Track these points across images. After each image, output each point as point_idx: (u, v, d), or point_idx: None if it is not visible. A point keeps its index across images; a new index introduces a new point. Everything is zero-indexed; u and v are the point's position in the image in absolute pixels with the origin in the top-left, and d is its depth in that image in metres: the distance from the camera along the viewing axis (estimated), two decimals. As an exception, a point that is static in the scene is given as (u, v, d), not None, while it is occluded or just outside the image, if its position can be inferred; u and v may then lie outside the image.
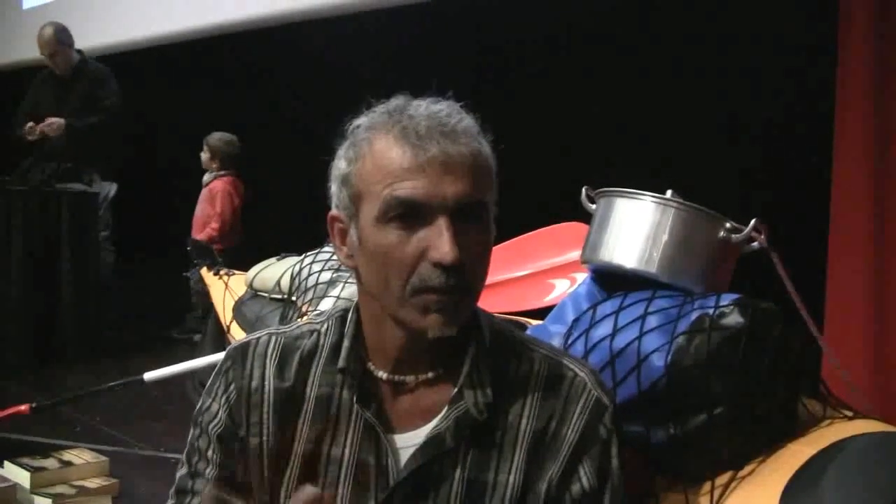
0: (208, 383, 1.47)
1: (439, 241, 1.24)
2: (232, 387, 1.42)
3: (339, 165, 1.34)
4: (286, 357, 1.42)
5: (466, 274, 1.27)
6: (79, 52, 6.55)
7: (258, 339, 1.46)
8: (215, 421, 1.42)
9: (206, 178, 6.52)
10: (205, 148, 6.47)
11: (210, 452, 1.41)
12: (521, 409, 1.35)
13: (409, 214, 1.25)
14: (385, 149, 1.27)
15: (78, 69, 6.49)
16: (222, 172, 6.45)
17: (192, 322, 6.45)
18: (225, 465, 1.40)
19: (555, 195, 2.78)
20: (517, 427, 1.34)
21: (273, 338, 1.45)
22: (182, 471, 1.45)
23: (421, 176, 1.24)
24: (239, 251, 5.84)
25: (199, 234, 6.33)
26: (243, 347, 1.46)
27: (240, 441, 1.40)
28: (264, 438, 1.39)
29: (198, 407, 1.46)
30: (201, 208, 6.48)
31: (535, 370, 1.38)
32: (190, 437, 1.46)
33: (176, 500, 1.43)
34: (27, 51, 6.86)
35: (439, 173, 1.24)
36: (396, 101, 1.33)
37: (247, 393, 1.41)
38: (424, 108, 1.30)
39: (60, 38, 6.38)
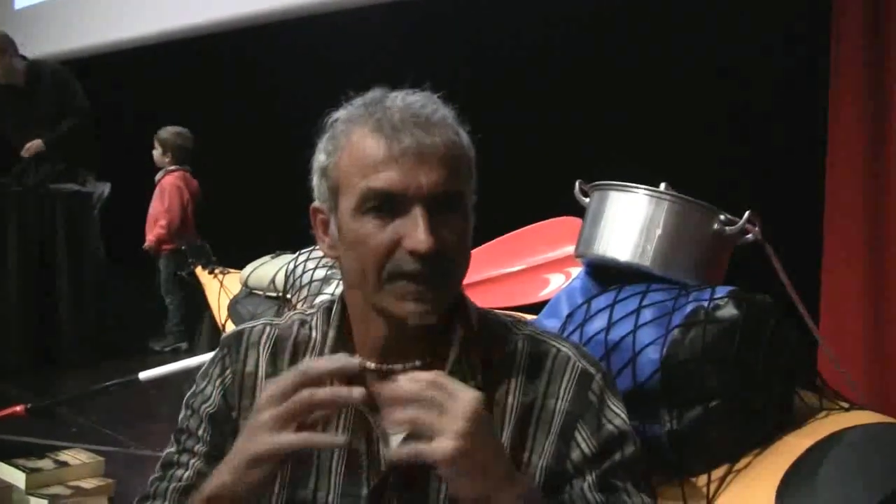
0: (203, 369, 1.48)
1: (414, 230, 1.25)
2: (228, 371, 1.44)
3: (319, 158, 1.35)
4: (278, 348, 1.44)
5: (444, 262, 1.28)
6: (23, 57, 6.29)
7: (253, 328, 1.48)
8: (209, 402, 1.43)
9: (158, 175, 6.40)
10: (156, 144, 6.36)
11: (201, 431, 1.42)
12: (506, 388, 1.36)
13: (384, 205, 1.26)
14: (361, 141, 1.29)
15: (34, 75, 6.25)
16: (172, 168, 6.34)
17: (172, 330, 6.41)
18: (215, 444, 1.41)
19: (548, 190, 2.77)
20: (503, 405, 1.35)
21: (267, 328, 1.47)
22: (170, 448, 1.46)
23: (395, 167, 1.25)
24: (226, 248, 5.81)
25: (150, 233, 6.26)
26: (238, 335, 1.47)
27: (232, 423, 1.41)
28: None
29: (191, 391, 1.47)
30: (152, 206, 6.36)
31: (518, 349, 1.39)
32: (180, 418, 1.46)
33: (161, 472, 1.43)
34: (21, 50, 6.82)
35: (413, 164, 1.25)
36: (374, 94, 1.34)
37: (241, 377, 1.43)
38: (400, 100, 1.31)
39: (1, 45, 6.09)
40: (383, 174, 1.25)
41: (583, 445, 1.32)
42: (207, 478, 1.31)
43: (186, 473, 1.40)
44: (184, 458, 1.42)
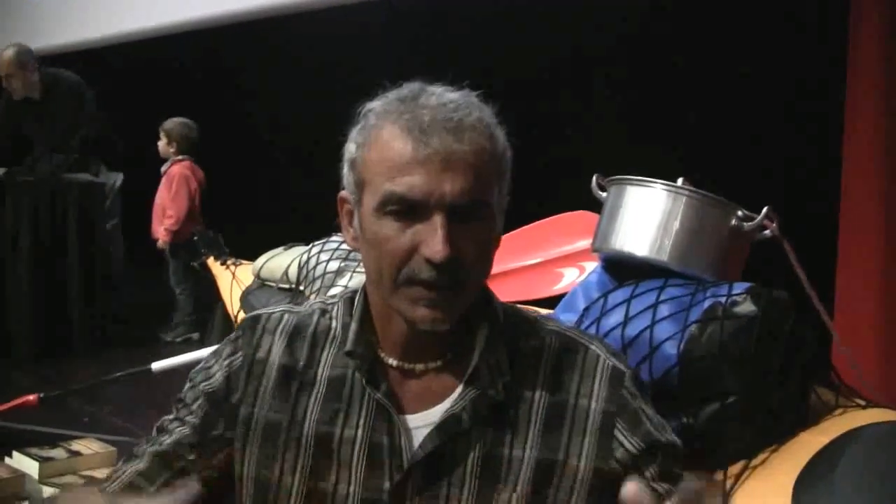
0: (217, 347, 1.49)
1: (432, 239, 1.23)
2: (238, 354, 1.43)
3: (350, 148, 1.33)
4: (296, 335, 1.43)
5: (460, 272, 1.26)
6: (39, 66, 6.26)
7: (271, 314, 1.47)
8: (210, 381, 1.43)
9: (164, 166, 6.41)
10: (161, 135, 6.36)
11: (195, 406, 1.42)
12: (533, 384, 1.35)
13: (405, 209, 1.25)
14: (389, 139, 1.26)
15: (50, 88, 6.24)
16: (179, 157, 6.34)
17: (183, 320, 6.42)
18: (206, 421, 1.41)
19: (564, 183, 2.77)
20: (530, 402, 1.34)
21: (286, 315, 1.46)
22: (167, 417, 1.46)
23: (419, 172, 1.23)
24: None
25: (158, 226, 6.26)
26: (255, 319, 1.47)
27: (228, 406, 1.41)
28: (255, 410, 1.40)
29: (199, 365, 1.48)
30: (159, 196, 6.36)
31: (546, 345, 1.38)
32: (183, 391, 1.47)
33: (153, 434, 1.45)
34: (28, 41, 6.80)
35: (439, 170, 1.23)
36: (410, 88, 1.31)
37: (250, 362, 1.42)
38: (435, 98, 1.27)
39: (22, 59, 6.10)
40: (407, 178, 1.23)
41: (627, 444, 1.32)
42: (184, 446, 1.37)
43: (169, 440, 1.41)
44: (173, 425, 1.43)
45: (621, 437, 1.33)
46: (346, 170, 1.34)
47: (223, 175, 6.52)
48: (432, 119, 1.24)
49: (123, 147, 6.46)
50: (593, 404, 1.34)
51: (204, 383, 1.44)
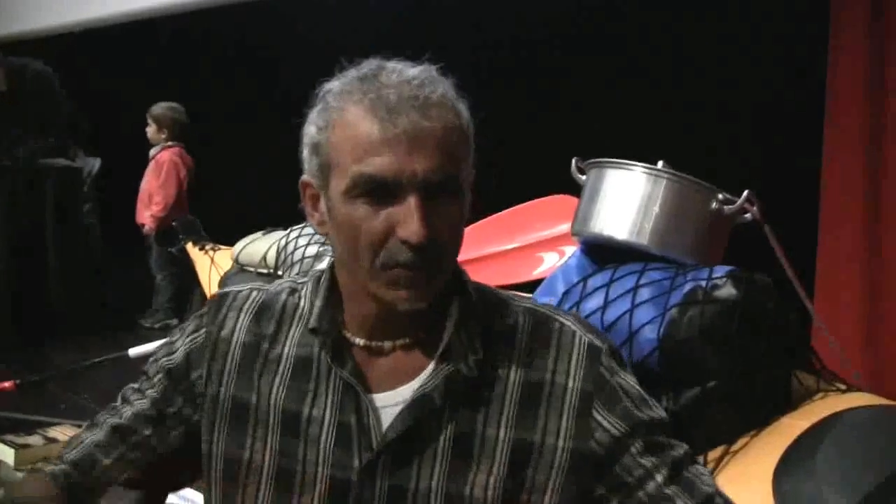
0: (184, 323, 1.47)
1: (409, 221, 1.21)
2: (202, 331, 1.42)
3: (310, 131, 1.30)
4: (263, 311, 1.41)
5: (437, 251, 1.24)
6: (4, 58, 6.14)
7: (239, 291, 1.46)
8: (171, 357, 1.43)
9: (152, 151, 6.31)
10: (149, 121, 6.26)
11: (156, 379, 1.43)
12: (508, 363, 1.33)
13: (376, 191, 1.22)
14: (355, 121, 1.23)
15: (16, 79, 6.10)
16: (169, 143, 6.26)
17: (163, 306, 6.39)
18: (164, 396, 1.42)
19: (543, 167, 2.75)
20: (505, 381, 1.32)
21: (253, 293, 1.44)
22: (133, 385, 1.48)
23: (389, 152, 1.21)
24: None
25: (145, 211, 6.19)
26: (222, 297, 1.46)
27: (188, 383, 1.41)
28: (222, 389, 1.38)
29: (166, 339, 1.47)
30: (146, 182, 6.27)
31: (520, 322, 1.36)
32: (147, 364, 1.48)
33: (116, 403, 1.47)
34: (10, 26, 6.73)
35: (409, 149, 1.21)
36: (369, 65, 1.28)
37: (214, 340, 1.40)
38: (397, 76, 1.25)
39: None
40: (377, 159, 1.21)
41: (605, 424, 1.30)
42: (141, 421, 1.40)
43: (128, 412, 1.43)
44: (134, 396, 1.44)
45: (599, 418, 1.30)
46: (306, 153, 1.31)
47: (202, 158, 6.48)
48: (398, 97, 1.22)
49: (88, 128, 6.39)
50: (570, 382, 1.31)
51: (165, 358, 1.44)
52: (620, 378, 1.33)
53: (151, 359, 1.46)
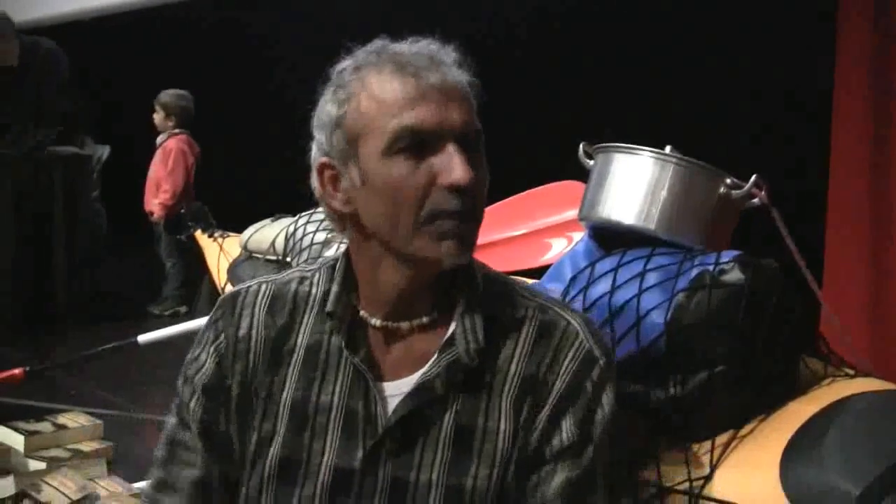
0: (199, 334, 1.46)
1: (452, 164, 1.24)
2: (222, 336, 1.42)
3: (328, 110, 1.31)
4: (276, 302, 1.41)
5: (477, 198, 1.28)
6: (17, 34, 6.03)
7: (248, 287, 1.45)
8: (203, 371, 1.41)
9: (159, 139, 6.30)
10: (157, 108, 6.25)
11: (193, 402, 1.41)
12: (510, 355, 1.33)
13: (417, 143, 1.25)
14: (382, 82, 1.26)
15: (28, 55, 6.00)
16: (177, 131, 6.24)
17: (172, 293, 6.38)
18: (207, 416, 1.40)
19: (551, 153, 2.75)
20: (506, 373, 1.33)
21: (263, 286, 1.44)
22: (172, 420, 1.45)
23: (424, 104, 1.24)
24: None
25: (152, 199, 6.18)
26: (233, 296, 1.45)
27: (226, 391, 1.40)
28: (246, 385, 1.39)
29: (188, 356, 1.46)
30: (154, 169, 6.25)
31: (527, 316, 1.36)
32: (178, 384, 1.45)
33: (167, 451, 1.44)
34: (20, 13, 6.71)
35: (442, 101, 1.25)
36: (379, 42, 1.32)
37: (234, 341, 1.40)
38: (408, 45, 1.30)
39: (3, 28, 5.86)
40: (414, 111, 1.24)
41: (564, 433, 1.31)
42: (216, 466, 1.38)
43: (198, 460, 1.41)
44: (186, 436, 1.42)
45: (565, 425, 1.31)
46: (325, 134, 1.31)
47: (213, 146, 6.47)
48: (419, 58, 1.27)
49: (89, 115, 6.40)
50: (557, 383, 1.32)
51: (198, 375, 1.42)
52: (601, 401, 1.33)
53: (182, 381, 1.44)
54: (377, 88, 1.26)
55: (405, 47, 1.29)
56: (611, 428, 1.33)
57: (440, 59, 1.27)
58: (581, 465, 1.31)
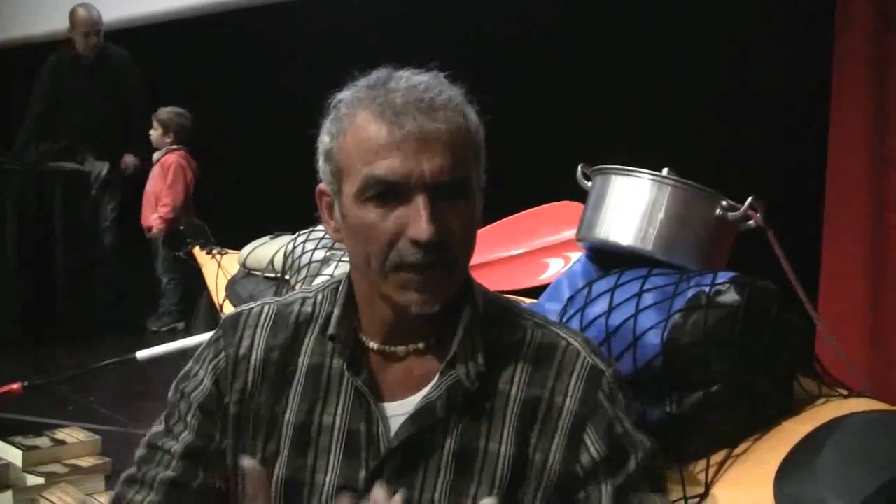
0: (198, 351, 1.47)
1: (417, 219, 1.23)
2: (221, 355, 1.42)
3: (324, 140, 1.33)
4: (278, 323, 1.42)
5: (448, 250, 1.26)
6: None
7: (251, 309, 1.46)
8: (200, 388, 1.42)
9: (156, 155, 6.28)
10: (155, 124, 6.23)
11: (189, 417, 1.41)
12: (511, 378, 1.34)
13: (386, 193, 1.24)
14: (363, 125, 1.26)
15: (102, 56, 6.34)
16: (175, 147, 6.23)
17: (170, 310, 6.38)
18: (202, 433, 1.40)
19: (549, 173, 2.77)
20: (507, 395, 1.33)
21: (265, 307, 1.45)
22: (157, 428, 1.45)
23: (397, 154, 1.23)
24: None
25: (151, 214, 6.16)
26: (235, 317, 1.46)
27: (223, 409, 1.40)
28: (244, 406, 1.39)
29: (182, 372, 1.46)
30: (152, 184, 6.24)
31: (526, 339, 1.37)
32: (169, 398, 1.45)
33: (146, 451, 1.43)
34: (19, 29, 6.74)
35: (416, 150, 1.23)
36: (378, 74, 1.31)
37: (234, 360, 1.41)
38: (405, 82, 1.28)
39: (98, 19, 6.25)
40: (385, 161, 1.23)
41: (592, 450, 1.30)
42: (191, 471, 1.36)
43: (174, 463, 1.40)
44: (169, 443, 1.41)
45: (588, 442, 1.31)
46: (321, 162, 1.34)
47: (210, 162, 6.49)
48: (404, 101, 1.24)
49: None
50: (567, 403, 1.32)
51: (195, 392, 1.42)
52: (619, 409, 1.34)
53: (176, 397, 1.44)
54: (358, 130, 1.26)
55: (401, 84, 1.27)
56: (633, 426, 1.34)
57: (430, 100, 1.25)
58: (622, 471, 1.31)
